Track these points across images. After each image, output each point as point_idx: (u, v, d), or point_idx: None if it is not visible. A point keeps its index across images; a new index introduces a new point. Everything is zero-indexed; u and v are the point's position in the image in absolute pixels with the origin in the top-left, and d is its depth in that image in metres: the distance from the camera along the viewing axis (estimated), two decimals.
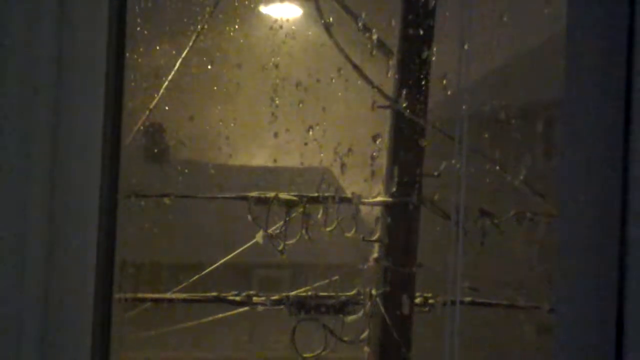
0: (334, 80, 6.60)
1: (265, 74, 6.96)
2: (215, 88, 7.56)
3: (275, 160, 7.04)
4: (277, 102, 6.86)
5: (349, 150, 6.51)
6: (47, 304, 1.30)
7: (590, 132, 1.44)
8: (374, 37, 6.55)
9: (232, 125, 7.46)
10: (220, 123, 7.58)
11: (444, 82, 6.26)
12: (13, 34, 1.31)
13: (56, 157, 1.32)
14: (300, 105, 6.63)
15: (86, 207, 1.34)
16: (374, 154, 6.39)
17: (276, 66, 6.91)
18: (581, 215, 1.42)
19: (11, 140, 1.33)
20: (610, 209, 1.42)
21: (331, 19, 6.52)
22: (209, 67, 7.32)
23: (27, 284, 1.32)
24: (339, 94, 6.66)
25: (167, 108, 7.10)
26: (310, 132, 6.62)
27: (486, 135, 6.79)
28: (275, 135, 6.77)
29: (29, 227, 1.33)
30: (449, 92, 6.51)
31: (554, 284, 1.41)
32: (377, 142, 6.39)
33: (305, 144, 6.68)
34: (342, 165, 6.52)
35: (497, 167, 6.57)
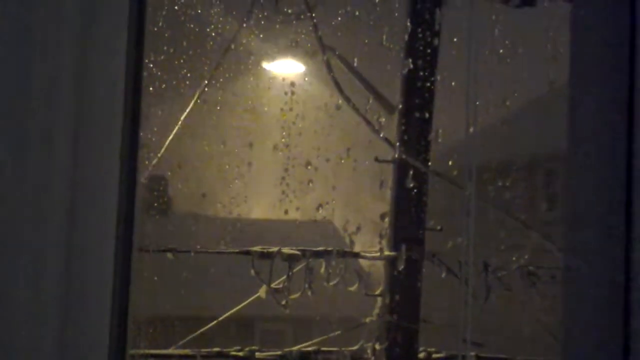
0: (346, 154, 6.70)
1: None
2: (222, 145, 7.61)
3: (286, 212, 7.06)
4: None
5: (358, 228, 6.56)
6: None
7: (592, 186, 1.45)
8: (377, 92, 6.60)
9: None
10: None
11: (445, 134, 6.30)
12: (35, 92, 1.35)
13: (72, 216, 1.35)
14: (309, 184, 6.71)
15: (102, 261, 1.36)
16: (382, 232, 6.43)
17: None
18: (587, 270, 1.44)
19: (29, 193, 1.36)
20: (615, 262, 1.44)
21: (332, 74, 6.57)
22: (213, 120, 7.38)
23: (44, 341, 1.34)
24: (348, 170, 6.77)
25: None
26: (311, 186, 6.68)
27: (490, 187, 6.80)
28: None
29: (44, 283, 1.36)
30: (450, 145, 6.54)
31: (560, 338, 1.43)
32: (385, 220, 6.42)
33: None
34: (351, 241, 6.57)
35: (503, 218, 6.57)
